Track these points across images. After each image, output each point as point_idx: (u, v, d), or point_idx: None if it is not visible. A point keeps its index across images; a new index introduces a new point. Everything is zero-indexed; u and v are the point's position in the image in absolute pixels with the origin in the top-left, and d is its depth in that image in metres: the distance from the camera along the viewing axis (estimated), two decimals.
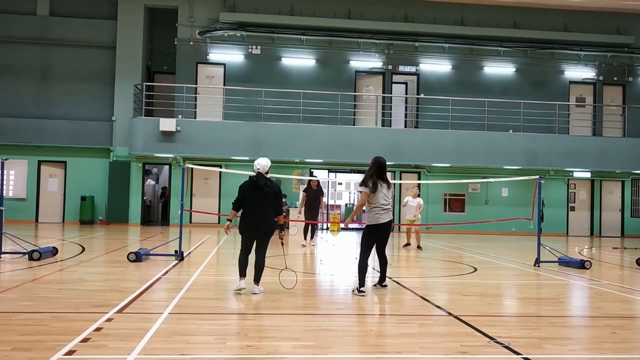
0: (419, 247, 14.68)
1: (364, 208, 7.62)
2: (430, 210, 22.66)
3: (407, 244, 15.23)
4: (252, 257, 7.25)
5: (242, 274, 7.18)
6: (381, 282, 7.79)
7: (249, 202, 7.13)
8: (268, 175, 7.28)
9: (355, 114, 22.85)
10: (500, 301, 7.48)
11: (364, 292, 7.27)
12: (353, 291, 7.42)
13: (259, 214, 7.08)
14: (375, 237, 7.55)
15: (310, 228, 14.73)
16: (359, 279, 7.38)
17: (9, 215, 16.73)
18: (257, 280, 7.19)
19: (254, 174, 7.25)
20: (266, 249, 7.25)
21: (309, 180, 15.17)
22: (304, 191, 14.90)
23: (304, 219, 14.68)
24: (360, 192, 7.63)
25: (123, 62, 22.29)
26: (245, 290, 7.10)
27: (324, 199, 15.29)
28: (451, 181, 21.34)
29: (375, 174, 7.59)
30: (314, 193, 14.60)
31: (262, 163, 7.28)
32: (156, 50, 24.07)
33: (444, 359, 4.54)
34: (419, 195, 15.58)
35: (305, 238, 14.72)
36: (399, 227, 22.32)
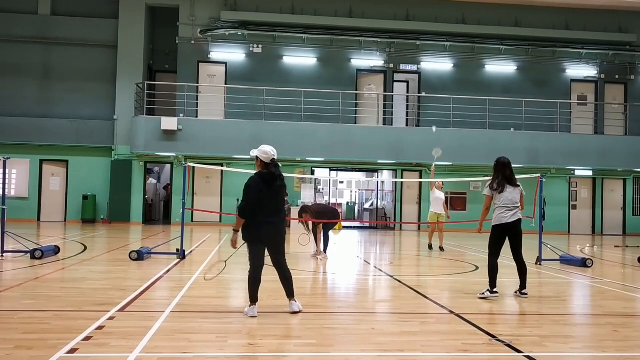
0: (441, 248, 13.71)
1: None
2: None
3: (430, 246, 13.87)
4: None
5: (255, 298, 5.81)
6: (521, 289, 7.37)
7: (264, 201, 5.84)
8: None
9: (356, 112, 22.84)
10: (502, 299, 7.48)
11: (496, 292, 7.10)
12: (483, 293, 7.14)
13: (278, 214, 5.92)
14: (501, 239, 7.25)
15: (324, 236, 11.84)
16: (489, 280, 7.18)
17: (11, 214, 16.68)
18: (292, 294, 6.00)
19: (269, 162, 5.96)
20: (285, 255, 6.06)
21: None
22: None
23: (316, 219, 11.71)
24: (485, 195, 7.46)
25: (125, 61, 22.30)
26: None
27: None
28: (453, 179, 21.33)
29: (501, 175, 7.39)
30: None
31: (274, 150, 6.08)
32: (158, 49, 24.08)
33: (445, 357, 4.54)
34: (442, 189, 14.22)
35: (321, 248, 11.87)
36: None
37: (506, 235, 7.27)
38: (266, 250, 5.95)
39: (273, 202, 5.87)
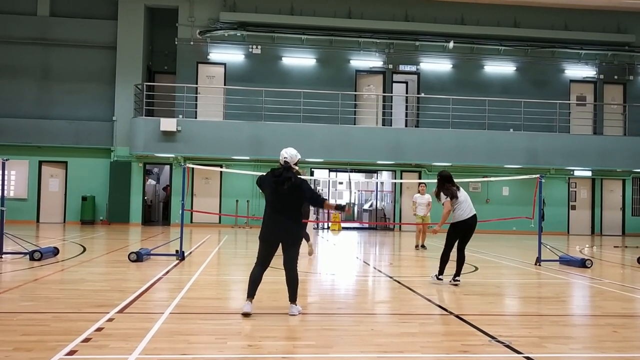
0: (422, 245, 14.56)
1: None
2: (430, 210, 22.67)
3: (417, 246, 14.65)
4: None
5: (251, 293, 5.86)
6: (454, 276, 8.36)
7: (271, 202, 5.95)
8: (297, 168, 6.12)
9: (355, 113, 22.85)
10: (501, 300, 7.48)
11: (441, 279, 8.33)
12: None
13: (286, 216, 5.90)
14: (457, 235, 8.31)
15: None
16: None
17: (10, 216, 16.70)
18: (293, 298, 5.94)
19: (282, 164, 6.01)
20: (296, 260, 6.01)
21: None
22: None
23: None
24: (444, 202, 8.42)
25: (123, 62, 22.30)
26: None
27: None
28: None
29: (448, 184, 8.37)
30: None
31: (291, 152, 6.06)
32: (157, 50, 24.09)
33: (445, 358, 4.54)
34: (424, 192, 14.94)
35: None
36: (399, 227, 22.30)
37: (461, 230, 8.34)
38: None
39: (277, 201, 5.89)
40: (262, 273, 5.96)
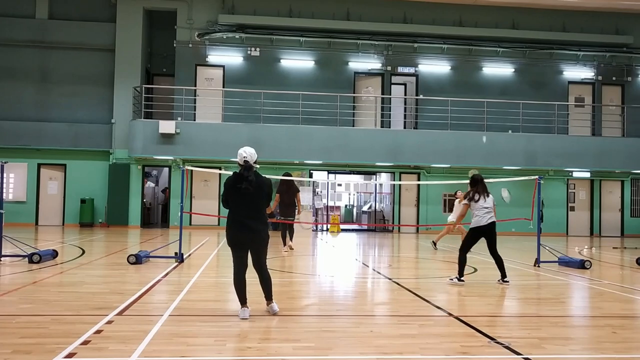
0: (434, 242, 14.85)
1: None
2: (429, 211, 22.71)
3: (434, 242, 14.93)
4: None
5: (243, 301, 5.81)
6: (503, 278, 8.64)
7: (235, 204, 5.85)
8: (257, 166, 6.05)
9: (354, 115, 22.85)
10: (501, 301, 7.48)
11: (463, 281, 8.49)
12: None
13: (250, 217, 5.81)
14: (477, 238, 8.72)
15: (288, 228, 12.91)
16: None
17: (9, 218, 16.71)
18: (270, 297, 5.97)
19: (242, 164, 5.97)
20: (265, 258, 6.01)
21: (284, 174, 13.31)
22: (277, 192, 12.68)
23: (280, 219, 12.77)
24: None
25: (122, 65, 22.30)
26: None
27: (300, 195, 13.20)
28: (450, 182, 21.32)
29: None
30: (288, 187, 12.78)
31: (250, 151, 6.00)
32: (155, 53, 24.09)
33: (444, 359, 4.54)
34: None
35: (284, 243, 12.87)
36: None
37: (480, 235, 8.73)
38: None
39: (243, 204, 5.80)
40: (244, 276, 5.86)
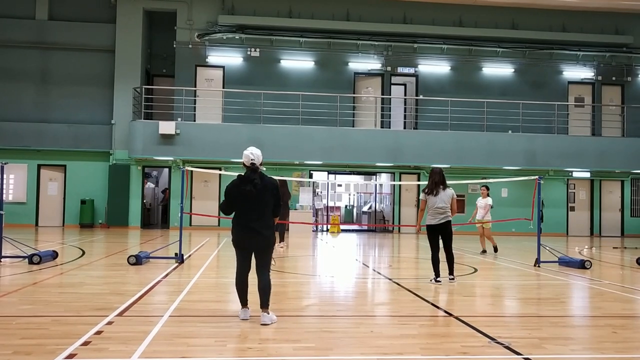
0: (484, 250, 13.99)
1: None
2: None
3: (483, 251, 14.05)
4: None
5: (244, 302, 5.78)
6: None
7: (241, 207, 5.68)
8: (264, 168, 5.89)
9: (354, 115, 22.85)
10: (501, 301, 7.48)
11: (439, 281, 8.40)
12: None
13: (256, 220, 5.64)
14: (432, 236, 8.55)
15: (280, 228, 13.68)
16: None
17: (9, 219, 16.70)
18: (265, 305, 5.61)
19: (248, 165, 5.69)
20: (270, 265, 5.81)
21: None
22: None
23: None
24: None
25: (122, 66, 22.30)
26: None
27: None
28: (450, 182, 21.29)
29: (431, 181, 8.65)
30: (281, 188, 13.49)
31: (257, 152, 5.74)
32: (155, 54, 24.10)
33: (444, 359, 4.54)
34: (488, 195, 14.08)
35: (282, 239, 13.90)
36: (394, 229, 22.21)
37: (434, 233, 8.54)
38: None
39: (248, 207, 5.61)
40: (246, 277, 5.75)
